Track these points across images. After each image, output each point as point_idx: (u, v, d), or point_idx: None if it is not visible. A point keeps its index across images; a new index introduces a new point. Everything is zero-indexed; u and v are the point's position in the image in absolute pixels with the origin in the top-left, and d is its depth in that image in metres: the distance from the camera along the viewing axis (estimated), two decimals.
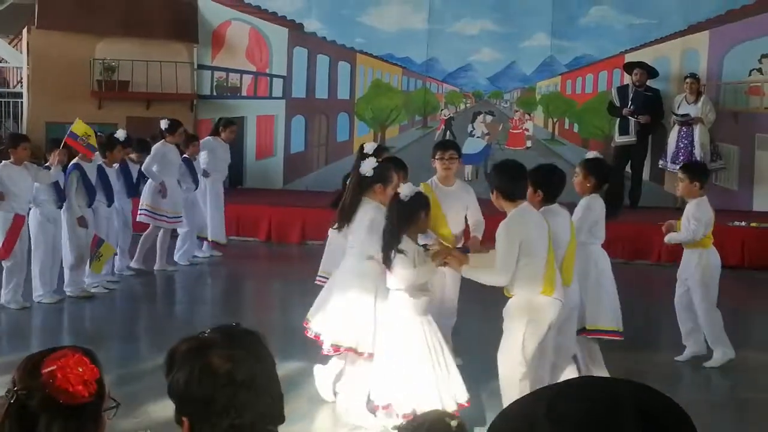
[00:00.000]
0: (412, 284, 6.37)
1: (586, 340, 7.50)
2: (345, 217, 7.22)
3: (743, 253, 12.83)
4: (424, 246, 6.75)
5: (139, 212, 12.26)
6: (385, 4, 16.55)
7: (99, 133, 11.45)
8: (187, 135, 13.24)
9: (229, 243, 13.93)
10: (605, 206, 7.61)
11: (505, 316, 6.41)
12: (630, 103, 14.91)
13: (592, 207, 7.52)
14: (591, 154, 8.15)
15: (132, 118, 16.14)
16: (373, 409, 6.56)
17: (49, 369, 2.46)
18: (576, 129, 16.29)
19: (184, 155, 12.66)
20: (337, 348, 7.00)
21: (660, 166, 15.06)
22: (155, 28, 16.58)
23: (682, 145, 14.55)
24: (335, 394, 7.18)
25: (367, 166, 6.93)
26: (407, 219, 6.36)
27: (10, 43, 19.26)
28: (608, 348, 8.72)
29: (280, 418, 2.55)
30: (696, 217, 8.45)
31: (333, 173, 14.00)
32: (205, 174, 12.98)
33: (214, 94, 17.19)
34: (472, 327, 8.75)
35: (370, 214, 6.86)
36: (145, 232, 12.37)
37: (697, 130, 14.45)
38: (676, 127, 14.65)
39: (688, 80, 14.69)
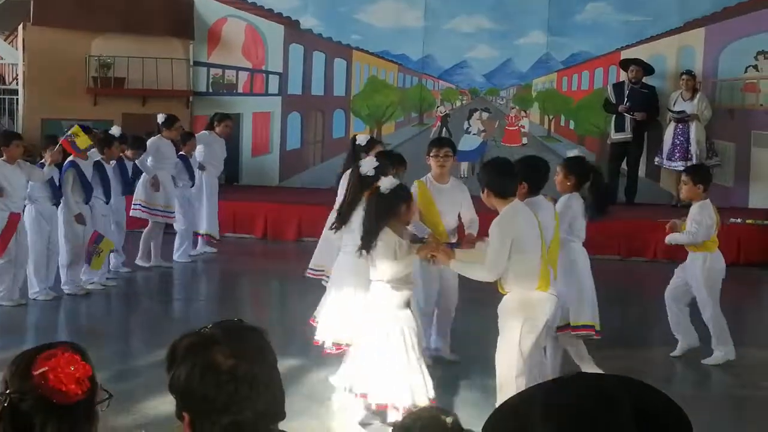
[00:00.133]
0: (394, 276, 6.36)
1: (570, 337, 7.51)
2: (343, 217, 7.24)
3: (739, 250, 12.84)
4: (421, 239, 6.77)
5: (132, 207, 12.25)
6: (381, 1, 16.54)
7: (95, 130, 11.43)
8: (184, 132, 13.26)
9: (225, 240, 13.93)
10: (592, 205, 7.65)
11: (500, 313, 6.42)
12: (626, 100, 14.91)
13: (571, 205, 7.56)
14: (572, 152, 8.19)
15: (128, 114, 16.12)
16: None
17: (40, 370, 2.43)
18: (572, 126, 16.28)
19: (181, 152, 12.65)
20: (338, 346, 7.02)
21: (656, 163, 15.06)
22: (151, 25, 16.55)
23: (678, 142, 14.55)
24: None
25: (368, 166, 6.91)
26: (387, 212, 6.36)
27: (5, 40, 19.22)
28: (605, 345, 8.74)
29: (281, 415, 2.55)
30: (697, 221, 8.44)
31: (329, 170, 13.97)
32: (201, 167, 12.99)
33: (210, 90, 17.17)
34: (468, 325, 8.74)
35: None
36: (146, 229, 12.37)
37: (693, 127, 14.45)
38: (672, 124, 14.65)
39: (684, 77, 14.69)
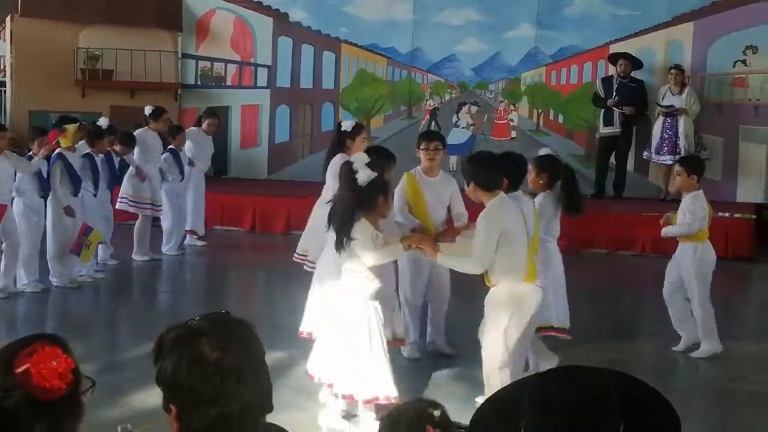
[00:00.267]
0: (371, 266, 6.36)
1: (536, 337, 7.48)
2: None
3: (727, 244, 12.86)
4: (412, 230, 6.77)
5: (119, 201, 12.21)
6: None
7: (83, 123, 11.40)
8: (173, 126, 13.24)
9: (214, 233, 13.91)
10: (566, 203, 7.69)
11: (487, 305, 6.45)
12: (615, 94, 14.92)
13: (546, 204, 7.58)
14: (543, 151, 8.23)
15: (116, 107, 16.07)
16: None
17: (22, 368, 2.39)
18: (561, 120, 16.29)
19: (171, 146, 12.63)
20: None
21: (644, 157, 15.08)
22: (139, 17, 16.49)
23: (666, 136, 14.57)
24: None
25: (365, 177, 6.71)
26: (364, 203, 6.36)
27: None
28: (593, 339, 8.77)
29: (269, 408, 2.54)
30: (691, 211, 8.48)
31: (318, 163, 13.85)
32: (191, 163, 12.96)
33: (199, 83, 17.13)
34: (459, 317, 8.73)
35: None
36: (137, 223, 12.33)
37: (682, 121, 14.47)
38: (661, 119, 14.67)
39: (672, 71, 14.71)
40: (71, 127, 10.61)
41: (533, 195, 7.54)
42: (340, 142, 8.38)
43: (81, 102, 16.18)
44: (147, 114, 12.44)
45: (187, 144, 12.93)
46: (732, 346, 8.74)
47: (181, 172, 12.69)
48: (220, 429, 2.44)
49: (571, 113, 16.13)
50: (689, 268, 8.53)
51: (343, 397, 6.45)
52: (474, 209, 7.09)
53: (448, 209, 8.28)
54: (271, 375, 2.53)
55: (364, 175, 6.36)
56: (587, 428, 2.20)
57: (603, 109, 15.08)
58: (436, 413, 3.47)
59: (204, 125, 13.34)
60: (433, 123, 16.38)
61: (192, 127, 13.48)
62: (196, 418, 2.44)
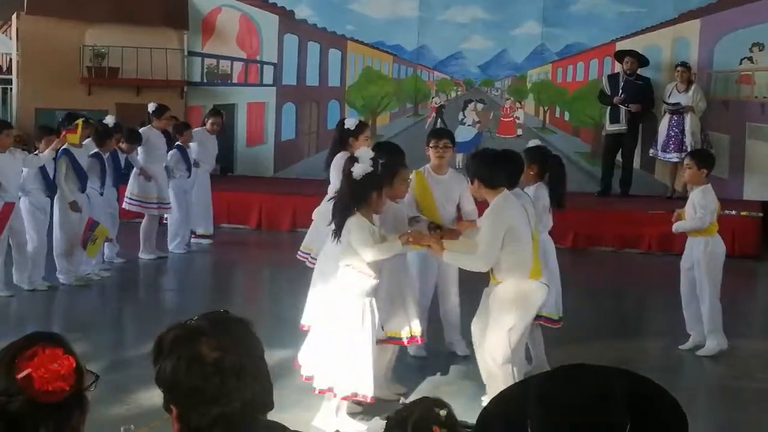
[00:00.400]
0: (368, 261, 6.33)
1: (534, 327, 7.49)
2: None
3: (733, 242, 12.81)
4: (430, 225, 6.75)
5: (127, 201, 12.22)
6: None
7: (90, 120, 11.42)
8: (180, 123, 13.24)
9: (220, 230, 13.92)
10: (553, 195, 7.68)
11: (493, 303, 6.44)
12: (621, 91, 14.89)
13: (539, 196, 7.58)
14: (532, 143, 8.21)
15: (122, 104, 16.08)
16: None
17: (24, 374, 2.37)
18: (567, 117, 16.27)
19: (178, 143, 12.64)
20: None
21: (650, 154, 15.05)
22: (145, 15, 16.49)
23: (672, 134, 14.54)
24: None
25: (359, 171, 6.71)
26: (358, 198, 6.34)
27: None
28: (600, 336, 8.77)
29: (270, 406, 2.54)
30: (702, 205, 8.45)
31: (324, 161, 13.94)
32: (196, 164, 12.96)
33: (205, 81, 17.13)
34: (464, 315, 8.72)
35: None
36: (143, 222, 12.33)
37: (688, 118, 14.44)
38: (667, 116, 14.64)
39: (679, 69, 14.67)
40: (79, 122, 10.58)
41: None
42: (342, 140, 8.36)
43: (87, 100, 16.19)
44: (150, 112, 12.44)
45: (192, 145, 12.93)
46: (738, 344, 8.73)
47: (189, 169, 12.70)
48: (221, 428, 2.44)
49: (578, 111, 16.11)
50: (700, 262, 8.50)
51: (320, 391, 6.43)
52: (483, 207, 7.09)
53: (458, 207, 8.27)
54: (276, 373, 2.54)
55: (358, 170, 6.35)
56: (594, 427, 2.20)
57: (609, 107, 15.06)
58: (443, 413, 3.46)
59: (207, 125, 13.36)
60: (440, 121, 16.37)
61: (198, 128, 13.47)
62: (196, 417, 2.44)
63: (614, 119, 14.99)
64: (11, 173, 10.04)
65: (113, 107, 15.69)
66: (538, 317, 7.42)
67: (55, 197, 10.57)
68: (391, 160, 7.07)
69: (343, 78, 16.88)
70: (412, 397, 6.40)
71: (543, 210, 7.59)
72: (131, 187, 12.19)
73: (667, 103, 14.60)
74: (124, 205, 12.19)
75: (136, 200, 12.21)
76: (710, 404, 7.73)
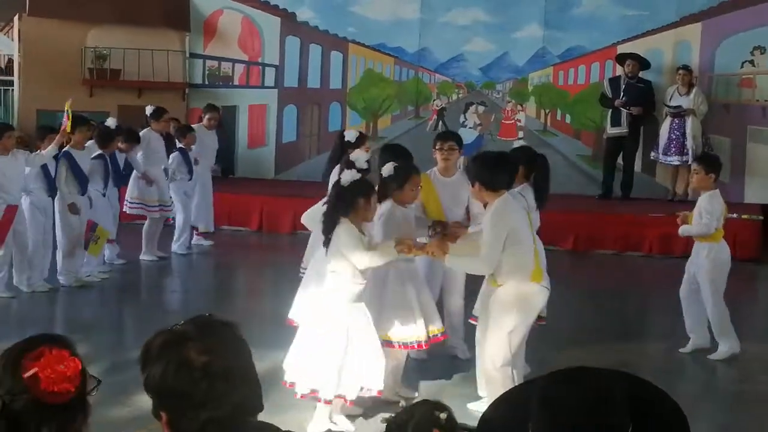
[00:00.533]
0: (357, 268, 6.30)
1: None
2: None
3: (734, 245, 12.79)
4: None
5: (128, 205, 12.21)
6: None
7: (92, 122, 11.42)
8: (182, 126, 13.25)
9: (221, 232, 13.92)
10: (538, 194, 7.68)
11: (492, 305, 6.44)
12: (622, 94, 14.89)
13: (526, 196, 7.56)
14: (518, 143, 8.21)
15: (123, 106, 16.08)
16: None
17: (30, 373, 2.38)
18: (568, 120, 16.27)
19: (180, 146, 12.63)
20: None
21: (652, 157, 15.05)
22: (147, 17, 16.50)
23: (674, 137, 14.54)
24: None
25: (347, 178, 6.71)
26: (345, 205, 6.33)
27: (1, 31, 19.18)
28: (601, 339, 8.76)
29: (259, 408, 2.54)
30: (708, 211, 8.43)
31: (325, 163, 13.97)
32: (195, 162, 12.96)
33: (206, 83, 17.14)
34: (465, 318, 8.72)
35: (381, 208, 6.85)
36: (145, 224, 12.33)
37: (689, 121, 14.44)
38: (668, 119, 14.64)
39: (680, 72, 14.67)
40: (67, 104, 10.46)
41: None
42: (342, 152, 8.37)
43: (89, 101, 16.16)
44: (148, 114, 12.42)
45: None
46: (743, 347, 8.70)
47: (190, 171, 12.69)
48: None
49: (579, 113, 16.11)
50: (704, 268, 8.49)
51: (302, 395, 6.40)
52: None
53: (467, 209, 8.25)
54: (270, 376, 2.53)
55: (346, 176, 6.35)
56: (595, 429, 2.20)
57: (610, 110, 15.06)
58: (443, 416, 3.47)
59: (204, 120, 13.37)
60: (441, 123, 16.37)
61: (196, 124, 13.49)
62: (186, 423, 2.44)
63: (615, 122, 14.99)
64: (14, 176, 10.04)
65: (115, 109, 15.69)
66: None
67: (55, 199, 10.57)
68: (403, 164, 7.09)
69: (344, 80, 16.89)
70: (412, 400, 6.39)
71: (530, 210, 7.59)
72: (132, 191, 12.18)
73: (668, 106, 14.60)
74: (126, 209, 12.18)
75: (137, 203, 12.20)
76: (711, 407, 7.71)
